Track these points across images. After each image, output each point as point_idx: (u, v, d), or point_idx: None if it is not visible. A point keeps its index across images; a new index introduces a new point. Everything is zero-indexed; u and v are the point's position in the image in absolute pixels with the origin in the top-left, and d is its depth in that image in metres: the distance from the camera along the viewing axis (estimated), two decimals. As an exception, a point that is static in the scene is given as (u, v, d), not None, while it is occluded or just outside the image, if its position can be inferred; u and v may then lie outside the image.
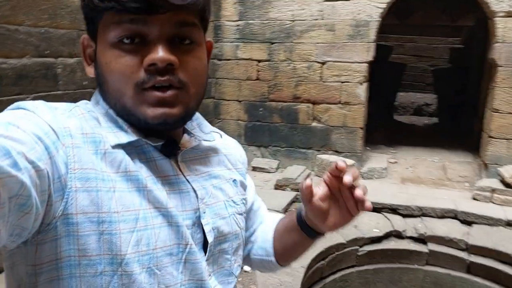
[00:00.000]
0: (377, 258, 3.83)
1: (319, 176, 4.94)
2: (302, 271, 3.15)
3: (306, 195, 0.75)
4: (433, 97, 10.02)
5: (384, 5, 4.75)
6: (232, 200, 0.81)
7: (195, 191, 0.74)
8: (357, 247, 3.75)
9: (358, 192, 0.71)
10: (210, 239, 0.74)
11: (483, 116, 5.18)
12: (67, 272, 0.61)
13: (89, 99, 0.75)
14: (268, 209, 1.04)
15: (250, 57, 5.34)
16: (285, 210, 3.96)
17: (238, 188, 0.84)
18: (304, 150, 5.32)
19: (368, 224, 3.90)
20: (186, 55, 0.67)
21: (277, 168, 5.29)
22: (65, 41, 3.26)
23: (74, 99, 0.77)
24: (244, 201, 0.85)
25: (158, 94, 0.65)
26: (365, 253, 3.78)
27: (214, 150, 0.83)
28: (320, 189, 0.76)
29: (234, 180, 0.84)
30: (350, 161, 4.84)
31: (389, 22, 9.70)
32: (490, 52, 4.63)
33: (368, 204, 0.73)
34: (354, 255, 3.76)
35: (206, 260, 0.74)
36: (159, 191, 0.68)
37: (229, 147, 0.89)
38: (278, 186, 4.56)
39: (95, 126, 0.67)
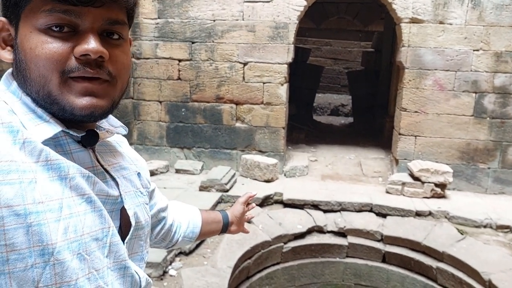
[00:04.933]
0: (301, 254, 3.94)
1: (244, 176, 4.98)
2: (229, 271, 3.13)
3: (247, 199, 1.35)
4: (348, 98, 10.59)
5: (301, 8, 4.90)
6: (140, 191, 0.85)
7: (115, 180, 0.77)
8: (282, 244, 3.82)
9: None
10: (133, 222, 0.78)
11: (393, 115, 5.56)
12: None
13: None
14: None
15: (171, 56, 5.21)
16: (210, 211, 3.91)
17: (142, 181, 0.88)
18: (228, 151, 5.31)
19: (291, 221, 4.00)
20: (114, 49, 0.69)
21: (202, 170, 5.22)
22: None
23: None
24: (147, 193, 0.90)
25: (86, 84, 0.66)
26: (289, 250, 3.86)
27: (115, 145, 0.87)
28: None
29: (139, 173, 0.88)
30: (273, 160, 4.93)
31: (307, 26, 10.11)
32: (398, 55, 4.99)
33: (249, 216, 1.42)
34: (279, 252, 3.83)
35: (126, 242, 0.76)
36: (81, 178, 0.68)
37: (123, 143, 0.92)
38: (203, 188, 4.50)
39: (10, 114, 0.65)
